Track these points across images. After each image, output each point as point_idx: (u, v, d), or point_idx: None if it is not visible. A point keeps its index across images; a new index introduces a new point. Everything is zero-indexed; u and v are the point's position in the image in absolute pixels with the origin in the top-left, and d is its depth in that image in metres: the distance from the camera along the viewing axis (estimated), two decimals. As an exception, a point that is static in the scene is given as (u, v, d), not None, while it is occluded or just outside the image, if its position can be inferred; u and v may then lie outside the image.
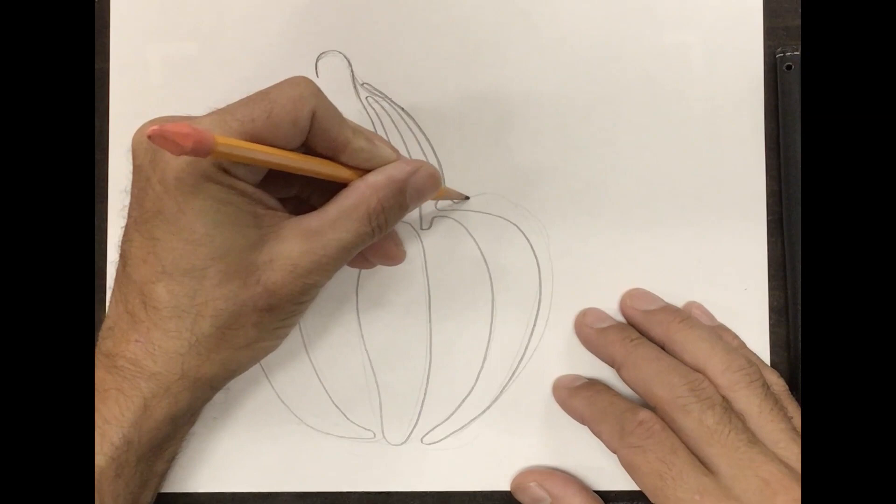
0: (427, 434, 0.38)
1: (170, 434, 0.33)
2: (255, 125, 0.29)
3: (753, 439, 0.32)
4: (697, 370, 0.34)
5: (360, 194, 0.31)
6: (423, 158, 0.38)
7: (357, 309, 0.38)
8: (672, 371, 0.33)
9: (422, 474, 0.37)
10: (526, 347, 0.38)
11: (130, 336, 0.31)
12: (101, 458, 0.31)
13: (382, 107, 0.38)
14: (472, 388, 0.38)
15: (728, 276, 0.37)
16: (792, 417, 0.33)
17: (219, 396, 0.35)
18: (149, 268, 0.30)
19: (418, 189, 0.33)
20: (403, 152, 0.37)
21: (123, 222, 0.32)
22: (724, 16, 0.38)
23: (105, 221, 0.38)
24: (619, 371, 0.35)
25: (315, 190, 0.34)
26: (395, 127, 0.38)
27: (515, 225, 0.38)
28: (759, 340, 0.37)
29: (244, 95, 0.30)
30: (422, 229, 0.38)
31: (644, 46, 0.38)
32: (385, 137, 0.37)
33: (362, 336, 0.38)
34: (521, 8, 0.38)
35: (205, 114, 0.30)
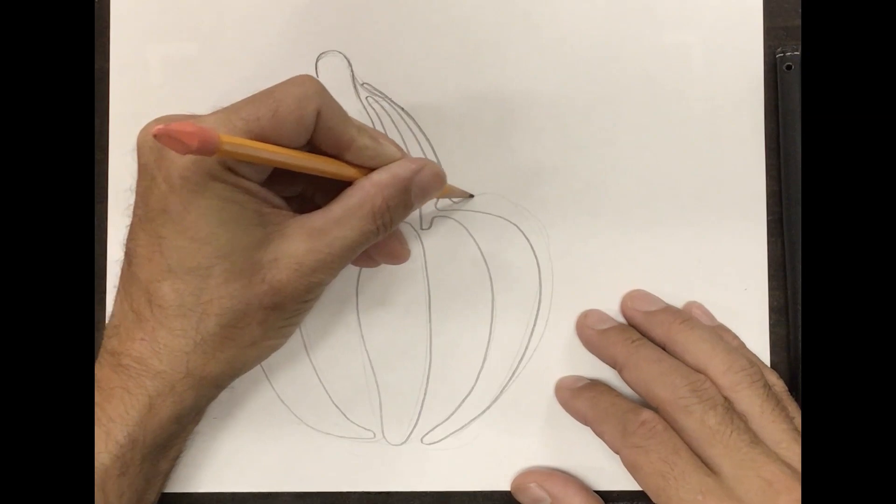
0: (427, 434, 0.38)
1: (175, 433, 0.33)
2: (260, 124, 0.29)
3: (755, 440, 0.32)
4: (699, 371, 0.34)
5: (365, 193, 0.31)
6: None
7: (357, 309, 0.38)
8: (674, 372, 0.33)
9: (422, 474, 0.37)
10: (526, 347, 0.38)
11: (136, 334, 0.31)
12: (105, 457, 0.31)
13: (382, 107, 0.38)
14: (472, 388, 0.38)
15: (728, 276, 0.37)
16: (793, 418, 0.33)
17: (220, 396, 0.35)
18: (154, 266, 0.30)
19: (423, 187, 0.33)
20: (403, 152, 0.37)
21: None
22: (724, 16, 0.38)
23: (105, 221, 0.38)
24: (620, 372, 0.35)
25: (319, 188, 0.34)
26: (395, 127, 0.38)
27: (515, 225, 0.38)
28: (759, 340, 0.37)
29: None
30: (422, 229, 0.38)
31: (644, 46, 0.38)
32: (385, 137, 0.37)
33: (362, 336, 0.38)
34: (521, 8, 0.38)
35: (210, 113, 0.30)
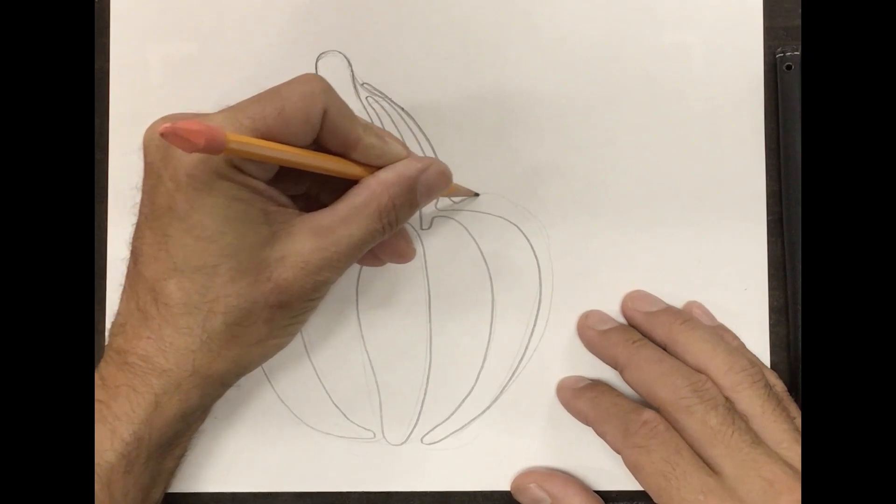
0: (427, 434, 0.38)
1: (180, 431, 0.33)
2: (266, 122, 0.29)
3: (757, 440, 0.32)
4: (700, 371, 0.34)
5: (371, 191, 0.31)
6: (424, 158, 0.38)
7: (357, 309, 0.38)
8: (675, 372, 0.33)
9: (422, 474, 0.37)
10: (526, 347, 0.38)
11: (142, 333, 0.31)
12: (111, 455, 0.31)
13: (382, 107, 0.38)
14: (472, 388, 0.38)
15: (728, 276, 0.37)
16: (794, 418, 0.33)
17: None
18: (160, 264, 0.30)
19: (429, 186, 0.33)
20: (403, 152, 0.37)
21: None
22: (724, 16, 0.38)
23: (105, 221, 0.38)
24: (621, 373, 0.35)
25: (325, 187, 0.34)
26: (395, 127, 0.38)
27: (515, 225, 0.38)
28: (759, 340, 0.37)
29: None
30: (422, 229, 0.38)
31: (644, 46, 0.38)
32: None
33: (362, 336, 0.38)
34: (521, 8, 0.38)
35: (216, 111, 0.30)
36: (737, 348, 0.36)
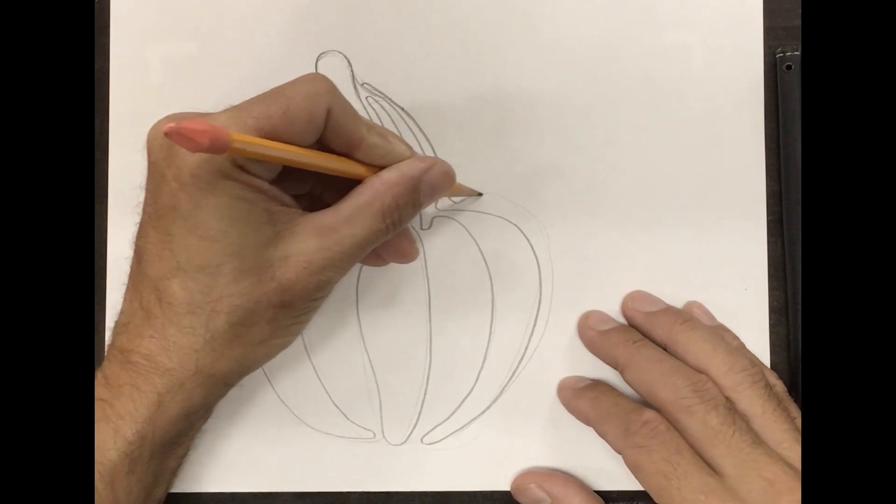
0: (427, 434, 0.38)
1: (183, 430, 0.33)
2: (270, 122, 0.29)
3: (757, 440, 0.32)
4: (700, 371, 0.34)
5: (375, 191, 0.31)
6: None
7: (357, 309, 0.38)
8: (675, 372, 0.33)
9: (422, 474, 0.37)
10: (526, 348, 0.38)
11: (145, 332, 0.31)
12: (114, 454, 0.31)
13: (382, 107, 0.38)
14: (472, 388, 0.38)
15: (728, 276, 0.37)
16: (794, 418, 0.33)
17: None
18: (164, 264, 0.30)
19: (432, 186, 0.33)
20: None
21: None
22: (724, 16, 0.38)
23: (105, 221, 0.38)
24: (622, 373, 0.35)
25: (328, 186, 0.34)
26: (395, 127, 0.38)
27: (515, 225, 0.38)
28: (759, 340, 0.37)
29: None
30: (422, 229, 0.38)
31: (644, 46, 0.38)
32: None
33: (362, 336, 0.38)
34: (521, 8, 0.38)
35: (220, 111, 0.30)
36: (737, 348, 0.36)
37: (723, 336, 0.36)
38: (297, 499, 0.38)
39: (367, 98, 0.38)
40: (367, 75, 0.38)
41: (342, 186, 0.32)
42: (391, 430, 0.38)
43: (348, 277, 0.38)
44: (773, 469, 0.31)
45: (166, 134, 0.25)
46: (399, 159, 0.32)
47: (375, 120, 0.38)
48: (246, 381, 0.37)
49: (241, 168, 0.30)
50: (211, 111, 0.30)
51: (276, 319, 0.31)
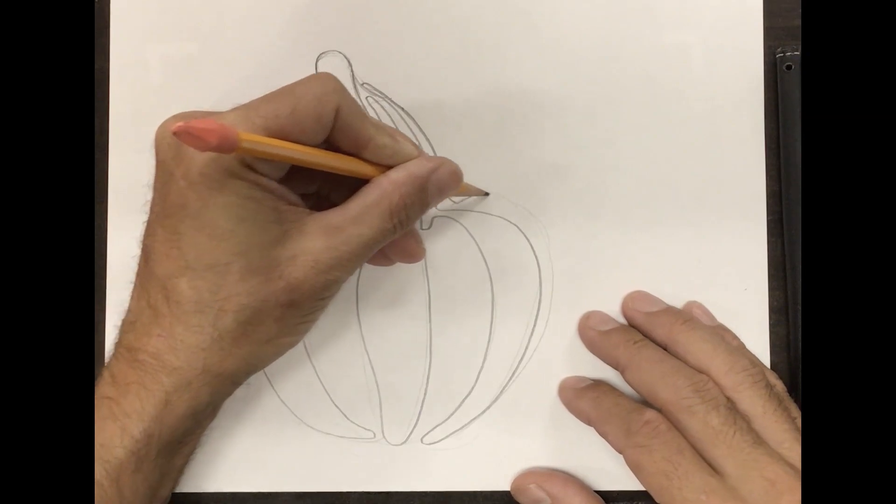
0: (427, 434, 0.38)
1: (190, 429, 0.33)
2: (278, 121, 0.29)
3: (758, 440, 0.32)
4: (701, 371, 0.34)
5: (383, 190, 0.31)
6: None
7: (357, 309, 0.38)
8: (676, 372, 0.33)
9: (422, 474, 0.37)
10: (526, 348, 0.38)
11: (152, 330, 0.31)
12: (120, 452, 0.31)
13: (382, 107, 0.38)
14: (472, 388, 0.38)
15: (728, 276, 0.37)
16: (795, 418, 0.33)
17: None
18: (172, 262, 0.30)
19: (440, 185, 0.33)
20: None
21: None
22: (724, 16, 0.38)
23: (105, 221, 0.38)
24: (623, 373, 0.35)
25: (336, 186, 0.34)
26: (395, 127, 0.38)
27: (515, 225, 0.38)
28: (759, 340, 0.37)
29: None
30: (422, 229, 0.38)
31: (644, 46, 0.38)
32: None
33: (362, 336, 0.38)
34: (521, 8, 0.38)
35: (228, 109, 0.30)
36: (737, 348, 0.36)
37: (723, 336, 0.36)
38: (297, 499, 0.38)
39: (367, 98, 0.38)
40: (367, 75, 0.38)
41: (350, 186, 0.32)
42: (391, 430, 0.38)
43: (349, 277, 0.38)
44: (775, 469, 0.31)
45: (175, 133, 0.25)
46: (407, 159, 0.32)
47: (375, 120, 0.38)
48: (250, 380, 0.37)
49: (249, 167, 0.30)
50: (212, 111, 0.30)
51: (284, 318, 0.31)
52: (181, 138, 0.25)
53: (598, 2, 0.38)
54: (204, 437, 0.37)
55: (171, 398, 0.31)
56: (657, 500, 0.32)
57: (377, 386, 0.38)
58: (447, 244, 0.38)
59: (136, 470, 0.31)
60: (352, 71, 0.38)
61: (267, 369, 0.38)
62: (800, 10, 0.37)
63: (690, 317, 0.36)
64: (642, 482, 0.33)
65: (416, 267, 0.38)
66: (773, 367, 0.37)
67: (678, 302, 0.37)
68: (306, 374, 0.38)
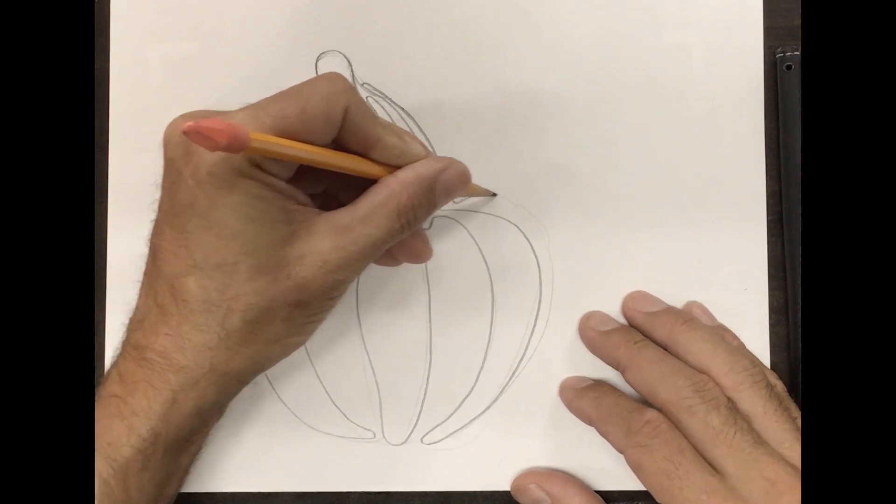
0: (427, 434, 0.38)
1: (196, 428, 0.33)
2: (287, 121, 0.29)
3: (759, 440, 0.32)
4: (701, 371, 0.34)
5: (391, 191, 0.31)
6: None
7: (357, 309, 0.38)
8: (677, 372, 0.34)
9: (422, 474, 0.37)
10: (526, 348, 0.38)
11: (160, 329, 0.31)
12: (127, 450, 0.31)
13: (382, 107, 0.38)
14: (472, 388, 0.38)
15: (728, 276, 0.37)
16: (796, 418, 0.33)
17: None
18: (180, 261, 0.30)
19: (448, 186, 0.33)
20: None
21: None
22: (724, 16, 0.38)
23: (105, 221, 0.38)
24: (623, 373, 0.35)
25: (344, 186, 0.34)
26: (396, 127, 0.38)
27: (515, 225, 0.38)
28: (759, 340, 0.37)
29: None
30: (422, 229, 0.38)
31: (644, 46, 0.38)
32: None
33: (362, 336, 0.38)
34: (521, 8, 0.38)
35: (237, 109, 0.30)
36: (737, 348, 0.36)
37: (723, 336, 0.36)
38: (297, 499, 0.38)
39: (367, 98, 0.38)
40: (367, 75, 0.38)
41: (358, 185, 0.32)
42: (391, 430, 0.38)
43: (348, 277, 0.38)
44: (775, 469, 0.31)
45: (185, 132, 0.25)
46: (415, 159, 0.32)
47: (375, 120, 0.38)
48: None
49: (258, 167, 0.30)
50: (220, 110, 0.30)
51: (292, 318, 0.31)
52: (191, 138, 0.25)
53: (598, 2, 0.38)
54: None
55: (178, 397, 0.31)
56: (658, 500, 0.32)
57: (377, 386, 0.38)
58: (447, 244, 0.38)
59: (143, 468, 0.32)
60: (352, 71, 0.38)
61: (267, 370, 0.38)
62: (800, 10, 0.37)
63: (691, 317, 0.36)
64: (643, 482, 0.33)
65: (417, 267, 0.38)
66: (773, 367, 0.37)
67: (678, 302, 0.37)
68: (306, 374, 0.38)
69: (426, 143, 0.38)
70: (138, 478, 0.31)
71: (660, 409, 0.34)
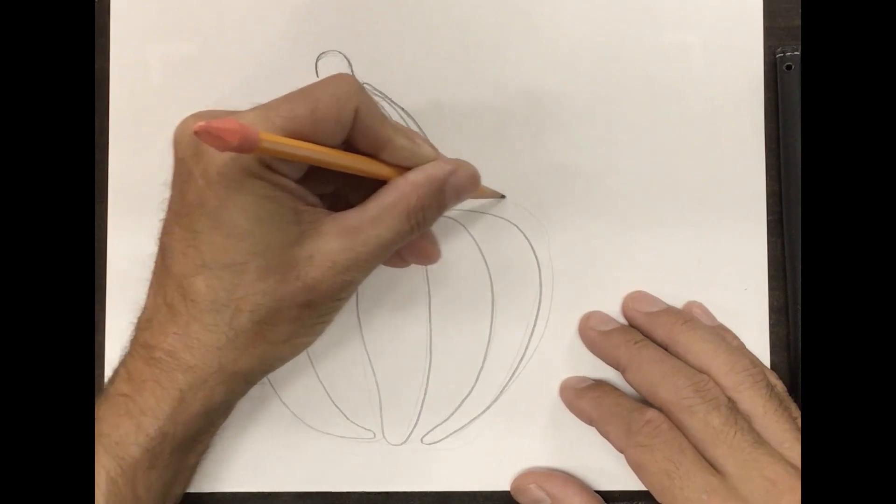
0: (427, 434, 0.38)
1: (204, 427, 0.33)
2: (298, 122, 0.29)
3: (759, 440, 0.32)
4: (701, 371, 0.34)
5: (400, 192, 0.31)
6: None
7: (357, 309, 0.38)
8: (677, 372, 0.34)
9: (422, 474, 0.37)
10: (526, 348, 0.38)
11: (168, 328, 0.31)
12: (135, 449, 0.31)
13: (382, 107, 0.38)
14: (472, 388, 0.38)
15: (728, 276, 0.37)
16: (796, 418, 0.33)
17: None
18: (189, 261, 0.30)
19: (457, 188, 0.33)
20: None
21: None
22: (724, 16, 0.38)
23: (105, 221, 0.38)
24: (623, 373, 0.35)
25: (353, 186, 0.34)
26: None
27: (515, 225, 0.38)
28: (759, 340, 0.37)
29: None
30: (422, 229, 0.38)
31: (644, 46, 0.38)
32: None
33: (362, 336, 0.38)
34: (521, 8, 0.38)
35: (247, 109, 0.30)
36: (738, 348, 0.36)
37: (723, 336, 0.36)
38: (298, 499, 0.38)
39: (367, 98, 0.38)
40: (367, 75, 0.38)
41: (367, 186, 0.32)
42: (391, 430, 0.38)
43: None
44: (775, 469, 0.31)
45: (196, 132, 0.25)
46: (425, 161, 0.32)
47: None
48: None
49: (268, 167, 0.30)
50: (230, 110, 0.30)
51: (300, 318, 0.31)
52: (202, 138, 0.25)
53: (598, 2, 0.38)
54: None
55: (186, 396, 0.31)
56: (658, 500, 0.32)
57: (377, 386, 0.38)
58: (448, 244, 0.38)
59: (151, 468, 0.32)
60: (352, 71, 0.38)
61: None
62: (800, 10, 0.37)
63: (691, 317, 0.36)
64: (644, 482, 0.33)
65: (416, 267, 0.38)
66: (773, 367, 0.37)
67: (678, 302, 0.37)
68: (307, 374, 0.38)
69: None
70: (146, 477, 0.32)
71: (660, 409, 0.34)
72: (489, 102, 0.38)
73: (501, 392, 0.38)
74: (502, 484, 0.37)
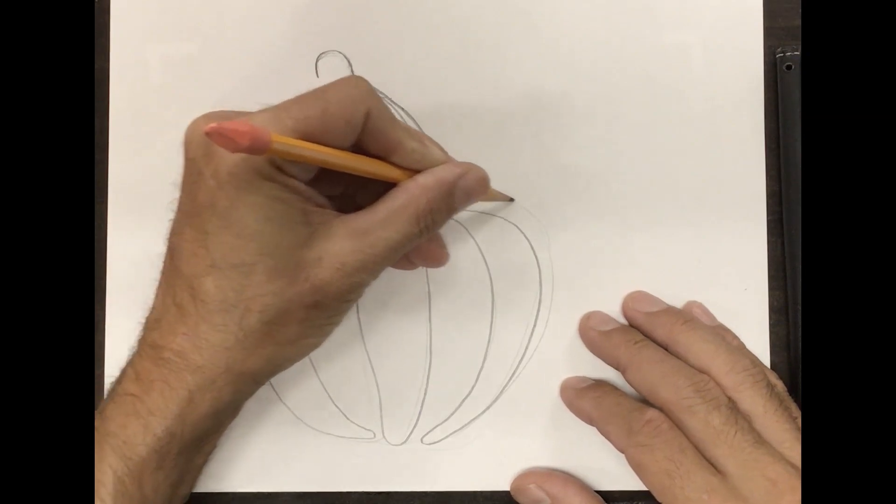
0: (427, 434, 0.38)
1: (211, 428, 0.33)
2: (308, 123, 0.29)
3: (759, 440, 0.32)
4: (702, 371, 0.34)
5: (410, 195, 0.31)
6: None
7: (357, 309, 0.38)
8: (677, 372, 0.34)
9: (422, 474, 0.37)
10: (526, 348, 0.38)
11: (177, 329, 0.31)
12: (143, 449, 0.31)
13: (383, 107, 0.38)
14: (472, 388, 0.38)
15: (728, 276, 0.37)
16: (796, 418, 0.33)
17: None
18: (198, 261, 0.30)
19: (467, 191, 0.33)
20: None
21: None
22: (724, 16, 0.38)
23: (105, 221, 0.38)
24: (623, 373, 0.35)
25: (362, 188, 0.34)
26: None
27: (515, 225, 0.38)
28: (759, 340, 0.37)
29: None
30: (422, 229, 0.38)
31: (644, 46, 0.38)
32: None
33: (362, 336, 0.38)
34: (521, 8, 0.38)
35: (258, 110, 0.30)
36: (738, 348, 0.36)
37: (723, 336, 0.36)
38: (298, 499, 0.38)
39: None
40: (367, 75, 0.37)
41: (376, 188, 0.32)
42: (391, 430, 0.38)
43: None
44: (776, 469, 0.31)
45: (207, 133, 0.25)
46: (435, 164, 0.32)
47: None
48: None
49: (279, 168, 0.30)
50: (241, 111, 0.30)
51: (309, 319, 0.31)
52: (213, 139, 0.25)
53: (598, 2, 0.38)
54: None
55: (194, 397, 0.31)
56: (659, 500, 0.32)
57: (377, 386, 0.38)
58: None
59: (158, 468, 0.32)
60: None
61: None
62: (800, 10, 0.37)
63: (691, 317, 0.36)
64: (644, 481, 0.33)
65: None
66: (773, 367, 0.37)
67: (678, 302, 0.37)
68: (307, 374, 0.38)
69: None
70: (153, 477, 0.32)
71: (660, 409, 0.34)
72: (489, 102, 0.38)
73: (501, 392, 0.38)
74: (502, 484, 0.37)
